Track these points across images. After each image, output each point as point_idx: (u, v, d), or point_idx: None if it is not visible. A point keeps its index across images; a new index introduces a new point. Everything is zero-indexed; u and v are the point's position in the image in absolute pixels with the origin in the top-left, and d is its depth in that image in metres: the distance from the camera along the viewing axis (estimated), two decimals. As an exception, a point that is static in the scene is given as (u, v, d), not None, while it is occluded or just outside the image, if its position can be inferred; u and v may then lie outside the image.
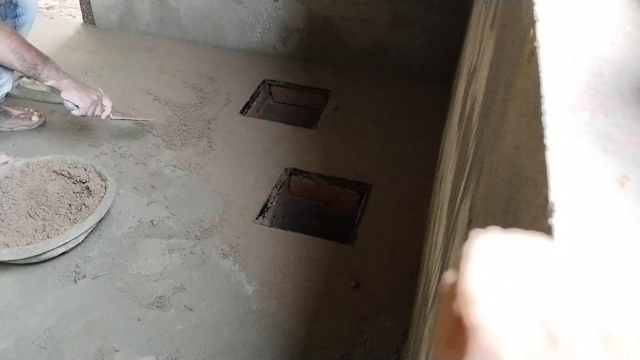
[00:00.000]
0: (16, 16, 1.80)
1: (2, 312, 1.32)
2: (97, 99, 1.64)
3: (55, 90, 1.59)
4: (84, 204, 1.51)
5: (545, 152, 0.30)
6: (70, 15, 2.67)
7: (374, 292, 1.40)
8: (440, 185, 1.26)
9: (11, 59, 1.50)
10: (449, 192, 0.93)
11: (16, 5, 1.79)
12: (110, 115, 1.70)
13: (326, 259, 1.48)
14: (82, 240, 1.47)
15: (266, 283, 1.41)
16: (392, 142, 1.90)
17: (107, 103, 1.68)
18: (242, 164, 1.79)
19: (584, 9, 0.43)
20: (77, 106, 1.61)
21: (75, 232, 1.40)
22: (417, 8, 2.06)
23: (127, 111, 1.77)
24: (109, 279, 1.41)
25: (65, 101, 1.60)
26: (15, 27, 1.80)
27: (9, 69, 1.58)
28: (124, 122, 1.93)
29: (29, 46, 1.53)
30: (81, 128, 1.89)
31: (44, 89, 1.93)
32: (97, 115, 1.66)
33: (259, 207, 1.63)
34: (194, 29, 2.40)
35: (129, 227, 1.55)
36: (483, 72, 0.76)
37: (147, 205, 1.62)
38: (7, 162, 1.65)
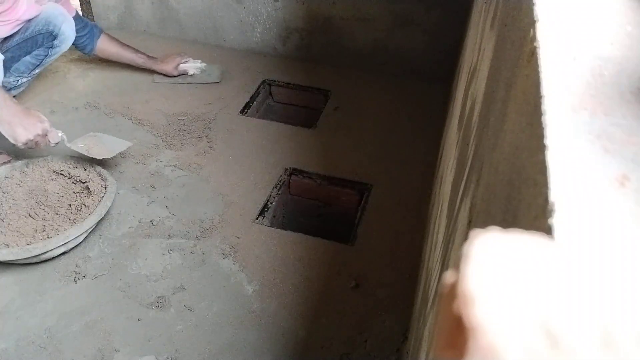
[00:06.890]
0: (51, 47, 1.80)
1: (2, 312, 1.32)
2: (32, 138, 1.49)
3: None
4: (84, 204, 1.51)
5: (545, 152, 0.30)
6: (70, 15, 2.67)
7: (374, 292, 1.40)
8: (440, 185, 1.26)
9: None
10: (449, 192, 0.93)
11: (55, 37, 1.78)
12: (66, 143, 1.59)
13: (326, 259, 1.48)
14: (82, 240, 1.47)
15: (266, 283, 1.41)
16: (392, 142, 1.90)
17: (53, 138, 1.55)
18: (242, 164, 1.79)
19: (584, 9, 0.43)
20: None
21: (75, 232, 1.40)
22: (417, 8, 2.06)
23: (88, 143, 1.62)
24: (109, 279, 1.41)
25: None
26: (47, 55, 1.81)
27: None
28: (122, 122, 1.93)
29: None
30: (81, 129, 1.89)
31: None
32: (41, 146, 1.54)
33: (259, 207, 1.63)
34: (194, 29, 2.40)
35: (129, 227, 1.55)
36: (483, 72, 0.76)
37: (147, 205, 1.62)
38: (7, 162, 1.65)
